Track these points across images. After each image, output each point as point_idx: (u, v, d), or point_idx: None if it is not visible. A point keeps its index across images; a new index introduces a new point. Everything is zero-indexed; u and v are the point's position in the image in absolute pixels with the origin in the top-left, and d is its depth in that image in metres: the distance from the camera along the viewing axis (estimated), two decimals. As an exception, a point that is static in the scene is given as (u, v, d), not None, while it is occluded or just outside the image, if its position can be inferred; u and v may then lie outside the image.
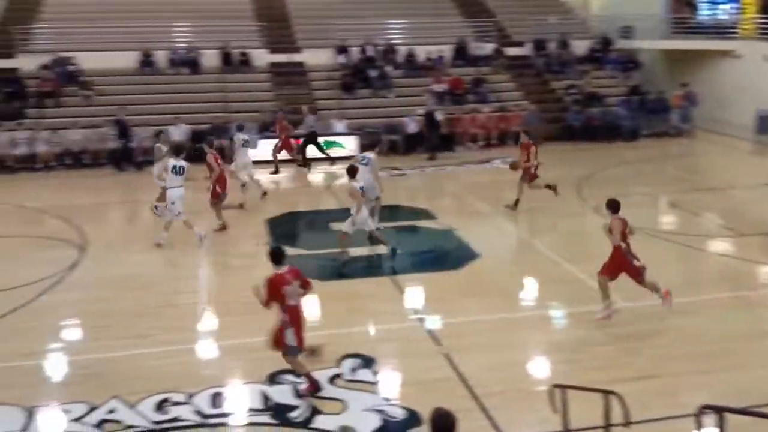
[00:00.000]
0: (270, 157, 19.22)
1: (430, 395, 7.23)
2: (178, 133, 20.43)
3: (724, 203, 15.76)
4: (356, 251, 12.18)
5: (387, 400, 7.54)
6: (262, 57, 24.54)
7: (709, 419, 5.38)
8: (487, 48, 25.89)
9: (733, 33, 24.68)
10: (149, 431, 7.11)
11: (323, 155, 20.22)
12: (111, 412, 7.38)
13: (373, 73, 24.12)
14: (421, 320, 9.66)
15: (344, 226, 11.71)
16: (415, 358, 8.56)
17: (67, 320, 9.90)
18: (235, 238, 13.54)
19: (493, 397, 7.49)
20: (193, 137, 20.13)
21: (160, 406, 7.45)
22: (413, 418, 7.13)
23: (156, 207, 14.29)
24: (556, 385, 6.50)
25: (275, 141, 19.55)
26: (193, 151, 14.68)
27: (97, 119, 20.81)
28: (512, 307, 10.19)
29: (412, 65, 25.01)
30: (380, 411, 7.30)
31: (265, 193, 16.18)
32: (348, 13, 26.12)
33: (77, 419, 7.27)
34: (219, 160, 13.91)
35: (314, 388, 7.61)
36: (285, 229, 12.40)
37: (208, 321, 9.85)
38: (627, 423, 5.77)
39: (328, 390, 7.71)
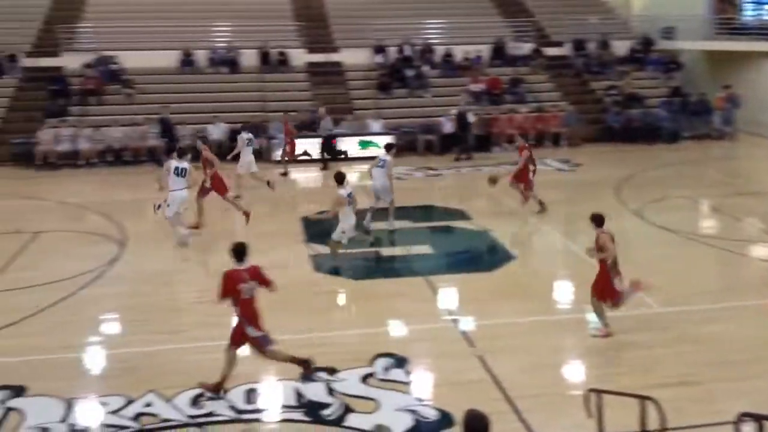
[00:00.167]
0: (305, 157, 19.42)
1: (463, 397, 7.19)
2: (217, 131, 20.68)
3: (767, 208, 15.41)
4: (390, 251, 12.19)
5: (419, 400, 7.53)
6: (300, 57, 24.69)
7: (748, 427, 5.28)
8: (526, 48, 25.69)
9: (778, 34, 24.15)
10: (184, 425, 7.21)
11: (338, 157, 20.24)
12: (147, 405, 7.50)
13: (409, 72, 24.10)
14: (455, 321, 9.63)
15: (335, 236, 11.42)
16: (448, 359, 8.54)
17: (106, 314, 10.09)
18: (272, 235, 13.64)
19: (527, 399, 7.43)
20: (231, 136, 20.35)
21: (196, 401, 7.54)
22: (446, 419, 7.11)
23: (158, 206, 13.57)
24: (592, 390, 6.43)
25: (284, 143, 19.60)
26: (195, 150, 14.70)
27: (138, 117, 21.17)
28: (547, 309, 10.10)
29: (449, 65, 24.93)
30: (413, 411, 7.29)
31: (268, 182, 16.19)
32: (386, 12, 26.17)
33: (114, 412, 7.39)
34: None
35: (308, 369, 7.81)
36: (320, 228, 12.47)
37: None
38: (663, 429, 5.69)
39: (361, 389, 7.73)
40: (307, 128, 21.05)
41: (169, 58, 23.68)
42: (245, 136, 16.46)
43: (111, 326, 9.87)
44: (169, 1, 26.13)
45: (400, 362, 8.30)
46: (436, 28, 26.32)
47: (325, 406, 7.44)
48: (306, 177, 19.48)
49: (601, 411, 6.27)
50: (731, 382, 7.82)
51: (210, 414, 7.34)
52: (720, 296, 9.54)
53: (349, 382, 7.86)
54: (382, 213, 13.50)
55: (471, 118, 21.36)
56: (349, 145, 20.73)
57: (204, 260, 12.72)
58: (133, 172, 19.84)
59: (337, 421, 7.19)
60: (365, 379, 7.94)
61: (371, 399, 7.54)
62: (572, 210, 14.67)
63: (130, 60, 23.18)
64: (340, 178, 11.38)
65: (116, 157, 20.64)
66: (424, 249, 12.72)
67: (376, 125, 21.67)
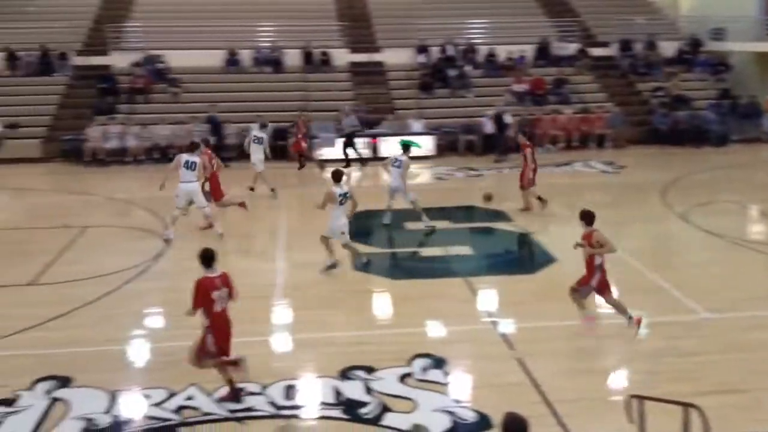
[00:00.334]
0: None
1: (502, 399, 7.15)
2: (263, 132, 20.82)
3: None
4: (429, 251, 12.14)
5: (457, 401, 7.50)
6: (342, 56, 24.83)
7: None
8: (571, 48, 25.43)
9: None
10: (225, 419, 7.30)
11: (357, 156, 20.29)
12: (189, 398, 7.61)
13: (452, 72, 24.04)
14: (494, 323, 9.57)
15: (328, 233, 11.38)
16: (487, 360, 8.49)
17: (150, 308, 10.29)
18: (313, 234, 13.71)
19: (567, 404, 7.34)
20: (275, 135, 20.53)
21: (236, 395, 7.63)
22: (484, 421, 7.07)
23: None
24: (634, 396, 6.33)
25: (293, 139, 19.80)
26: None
27: (184, 116, 21.51)
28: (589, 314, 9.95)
29: (492, 65, 24.81)
30: (450, 412, 7.26)
31: (273, 190, 16.35)
32: (429, 12, 26.14)
33: (157, 404, 7.53)
34: (213, 160, 14.13)
35: (234, 397, 7.47)
36: (358, 227, 12.49)
37: (284, 314, 10.03)
38: (707, 437, 5.58)
39: (398, 388, 7.73)
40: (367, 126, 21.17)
41: (214, 58, 24.04)
42: (254, 133, 16.52)
43: (155, 320, 10.05)
44: (215, 1, 26.49)
45: (439, 363, 8.28)
46: (480, 28, 26.22)
47: (363, 404, 7.46)
48: (358, 175, 19.46)
49: (643, 418, 6.17)
50: (778, 391, 7.63)
51: (249, 409, 7.42)
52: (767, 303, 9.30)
53: (387, 381, 7.86)
54: (414, 215, 13.59)
55: (509, 119, 21.19)
56: (388, 145, 20.73)
57: (246, 255, 12.86)
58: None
59: (375, 420, 7.20)
60: (403, 378, 7.94)
61: (409, 399, 7.53)
62: (616, 213, 14.45)
63: (176, 59, 23.61)
64: (337, 176, 11.39)
65: (162, 155, 20.96)
66: (464, 250, 12.67)
67: (417, 125, 21.64)
